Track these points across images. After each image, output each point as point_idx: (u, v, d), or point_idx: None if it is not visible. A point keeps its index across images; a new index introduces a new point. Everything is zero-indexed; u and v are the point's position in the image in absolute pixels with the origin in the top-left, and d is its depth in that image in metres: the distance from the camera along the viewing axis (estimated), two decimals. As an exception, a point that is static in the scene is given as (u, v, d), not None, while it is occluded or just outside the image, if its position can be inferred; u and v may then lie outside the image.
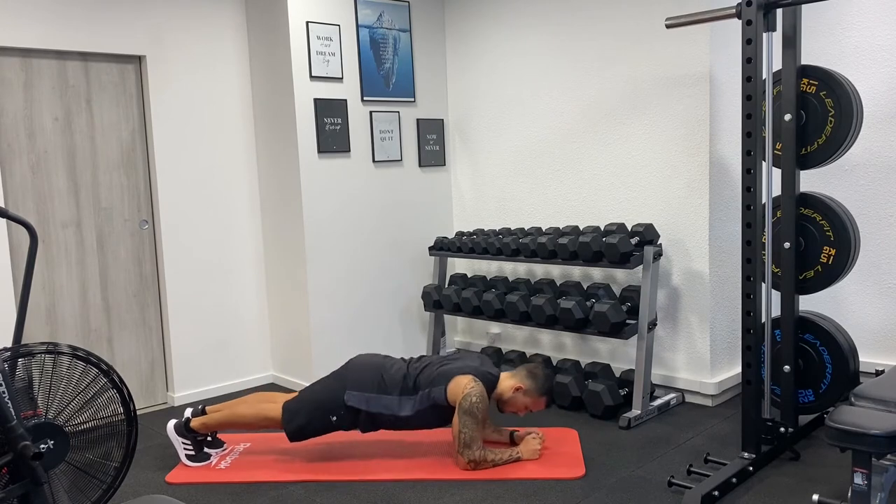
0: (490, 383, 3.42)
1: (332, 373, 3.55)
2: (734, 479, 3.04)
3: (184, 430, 3.56)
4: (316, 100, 4.48)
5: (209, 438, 3.63)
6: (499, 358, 4.70)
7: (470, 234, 4.82)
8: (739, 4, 3.12)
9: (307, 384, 3.76)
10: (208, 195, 4.61)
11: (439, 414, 3.39)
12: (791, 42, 3.28)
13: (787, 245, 3.37)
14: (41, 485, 2.39)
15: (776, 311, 3.47)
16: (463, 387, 3.28)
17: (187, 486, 3.34)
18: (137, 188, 4.42)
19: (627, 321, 3.95)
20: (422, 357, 3.59)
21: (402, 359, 3.59)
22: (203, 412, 3.63)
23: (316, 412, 3.40)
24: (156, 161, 4.39)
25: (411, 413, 3.37)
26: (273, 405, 3.48)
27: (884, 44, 3.94)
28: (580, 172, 4.50)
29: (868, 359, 4.00)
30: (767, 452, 3.25)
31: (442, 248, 4.90)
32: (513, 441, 3.58)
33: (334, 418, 3.40)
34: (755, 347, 3.20)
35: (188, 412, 3.65)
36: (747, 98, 3.11)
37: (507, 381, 3.48)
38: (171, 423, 3.60)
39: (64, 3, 4.04)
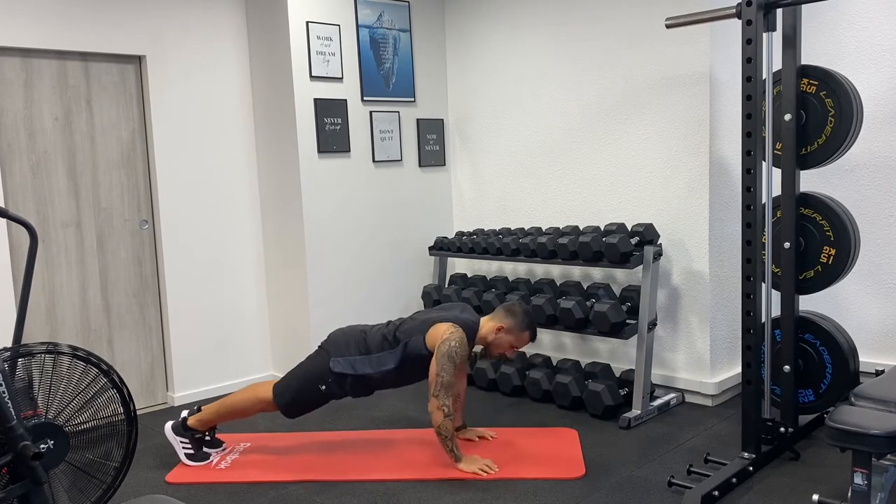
0: (471, 330, 3.43)
1: (315, 350, 3.59)
2: (734, 479, 3.04)
3: (181, 428, 3.56)
4: (316, 100, 4.48)
5: (207, 437, 3.63)
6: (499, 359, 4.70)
7: (470, 234, 4.82)
8: (739, 4, 3.12)
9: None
10: (208, 195, 4.61)
11: (423, 363, 3.38)
12: (791, 42, 3.28)
13: (787, 245, 3.37)
14: (41, 485, 2.39)
15: (776, 311, 3.47)
16: (442, 332, 3.30)
17: (187, 486, 3.34)
18: (137, 188, 4.42)
19: (627, 321, 3.95)
20: (402, 318, 3.61)
21: (384, 322, 3.61)
22: (199, 411, 3.63)
23: (304, 383, 3.45)
24: (156, 161, 4.39)
25: (395, 365, 3.39)
26: (264, 386, 3.54)
27: (884, 44, 3.94)
28: (580, 172, 4.50)
29: (868, 359, 4.00)
30: (767, 452, 3.25)
31: (442, 248, 4.90)
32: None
33: (323, 387, 3.43)
34: (755, 347, 3.20)
35: (184, 413, 3.65)
36: (747, 98, 3.11)
37: (488, 324, 3.50)
38: (168, 424, 3.60)
39: (64, 3, 4.04)
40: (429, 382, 3.30)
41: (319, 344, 3.60)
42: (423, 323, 3.41)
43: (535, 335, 3.55)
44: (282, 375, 4.81)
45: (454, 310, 3.54)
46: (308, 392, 3.45)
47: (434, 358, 3.27)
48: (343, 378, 3.42)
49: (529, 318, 3.52)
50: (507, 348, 3.52)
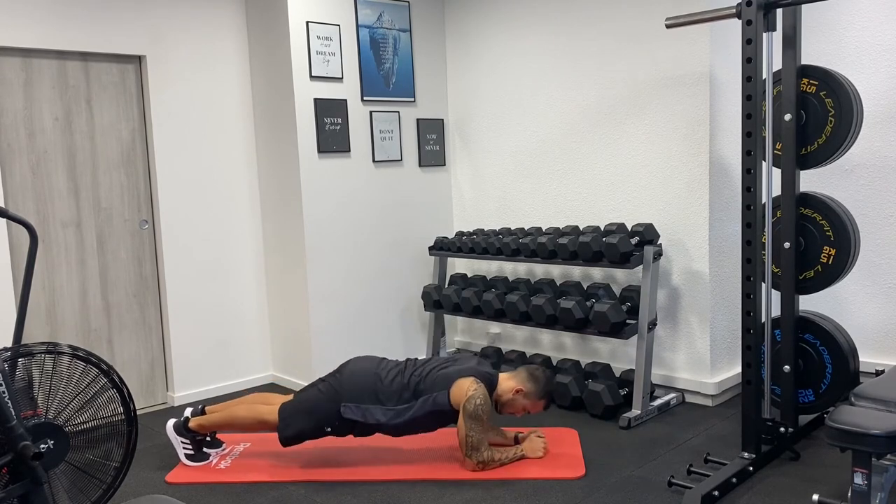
0: (490, 383, 3.42)
1: (327, 379, 3.47)
2: (734, 479, 3.04)
3: (182, 429, 3.56)
4: (316, 100, 4.48)
5: (208, 438, 3.63)
6: (499, 358, 4.70)
7: (470, 234, 4.82)
8: (739, 4, 3.12)
9: (307, 384, 3.74)
10: (208, 195, 4.61)
11: (437, 418, 3.37)
12: (791, 42, 3.28)
13: (787, 245, 3.37)
14: (41, 485, 2.39)
15: (776, 311, 3.47)
16: (465, 390, 3.27)
17: (187, 486, 3.34)
18: (137, 188, 4.42)
19: (627, 321, 3.95)
20: (417, 361, 3.53)
21: (398, 363, 3.52)
22: (202, 412, 3.63)
23: (310, 423, 3.38)
24: (156, 161, 4.39)
25: (408, 419, 3.34)
26: (270, 408, 3.46)
27: (884, 44, 3.94)
28: (580, 172, 4.50)
29: (868, 359, 4.00)
30: (767, 452, 3.25)
31: (442, 248, 4.90)
32: (517, 442, 3.56)
33: (329, 429, 3.39)
34: (755, 347, 3.20)
35: (188, 412, 3.65)
36: (747, 98, 3.11)
37: (507, 383, 3.47)
38: (171, 422, 3.60)
39: (64, 3, 4.04)
40: (459, 443, 3.31)
41: (333, 373, 3.48)
42: (445, 379, 3.35)
43: (549, 404, 3.55)
44: (281, 375, 4.84)
45: (470, 361, 3.49)
46: (313, 432, 3.40)
47: (461, 418, 3.27)
48: (351, 423, 3.39)
49: (550, 387, 3.51)
50: (519, 410, 3.49)
